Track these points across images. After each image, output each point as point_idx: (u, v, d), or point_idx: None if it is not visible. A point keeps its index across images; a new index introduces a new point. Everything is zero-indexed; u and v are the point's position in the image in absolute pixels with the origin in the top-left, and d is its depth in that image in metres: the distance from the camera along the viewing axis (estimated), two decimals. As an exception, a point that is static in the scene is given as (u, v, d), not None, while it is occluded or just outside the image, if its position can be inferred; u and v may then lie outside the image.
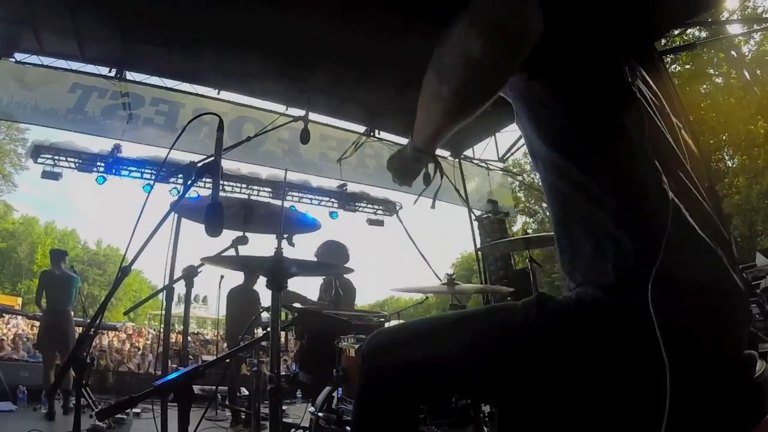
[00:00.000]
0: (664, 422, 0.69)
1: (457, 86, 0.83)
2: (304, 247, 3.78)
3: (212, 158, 1.29)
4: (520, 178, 23.21)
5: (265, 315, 2.51)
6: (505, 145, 8.76)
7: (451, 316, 1.04)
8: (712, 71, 17.45)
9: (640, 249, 0.79)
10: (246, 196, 7.00)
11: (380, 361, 0.99)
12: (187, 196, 1.43)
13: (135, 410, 4.82)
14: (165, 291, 2.39)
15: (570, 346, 0.82)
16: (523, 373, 0.86)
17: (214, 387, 4.84)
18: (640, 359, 0.76)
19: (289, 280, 1.59)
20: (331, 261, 3.67)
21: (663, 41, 5.97)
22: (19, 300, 20.51)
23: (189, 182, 1.35)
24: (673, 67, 15.77)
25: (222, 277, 6.10)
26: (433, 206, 1.22)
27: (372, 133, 7.65)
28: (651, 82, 1.00)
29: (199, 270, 2.07)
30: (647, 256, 0.77)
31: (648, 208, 0.82)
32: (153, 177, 6.57)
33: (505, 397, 0.96)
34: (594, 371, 0.80)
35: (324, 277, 3.93)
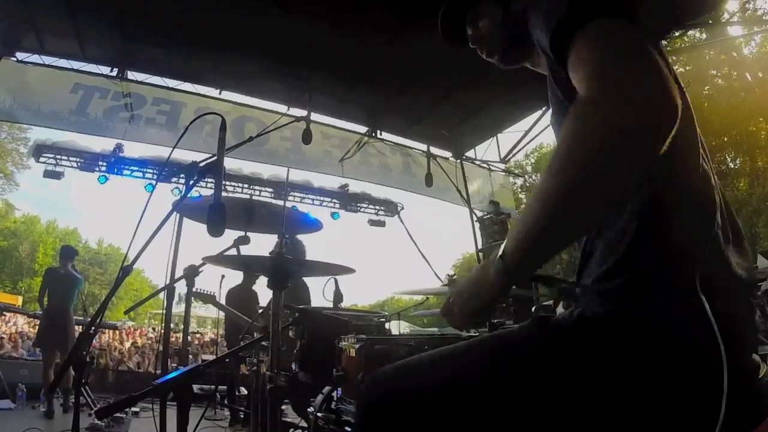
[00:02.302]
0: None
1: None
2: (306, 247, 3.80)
3: (214, 158, 1.29)
4: (521, 179, 23.28)
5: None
6: (507, 146, 8.75)
7: (450, 347, 1.00)
8: (713, 72, 17.44)
9: (671, 251, 0.74)
10: (248, 197, 7.01)
11: (380, 391, 0.96)
12: (189, 195, 1.43)
13: (134, 409, 4.80)
14: (166, 290, 2.40)
15: (575, 365, 0.78)
16: (526, 399, 0.81)
17: (213, 386, 4.83)
18: (656, 372, 0.73)
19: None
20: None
21: (664, 42, 5.97)
22: (20, 298, 20.50)
23: (191, 182, 1.35)
24: (674, 68, 15.73)
25: (223, 276, 6.09)
26: None
27: (374, 133, 7.67)
28: None
29: (200, 269, 2.08)
30: (679, 259, 0.72)
31: (692, 200, 0.76)
32: (155, 177, 6.57)
33: (507, 425, 0.89)
34: (605, 389, 0.76)
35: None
